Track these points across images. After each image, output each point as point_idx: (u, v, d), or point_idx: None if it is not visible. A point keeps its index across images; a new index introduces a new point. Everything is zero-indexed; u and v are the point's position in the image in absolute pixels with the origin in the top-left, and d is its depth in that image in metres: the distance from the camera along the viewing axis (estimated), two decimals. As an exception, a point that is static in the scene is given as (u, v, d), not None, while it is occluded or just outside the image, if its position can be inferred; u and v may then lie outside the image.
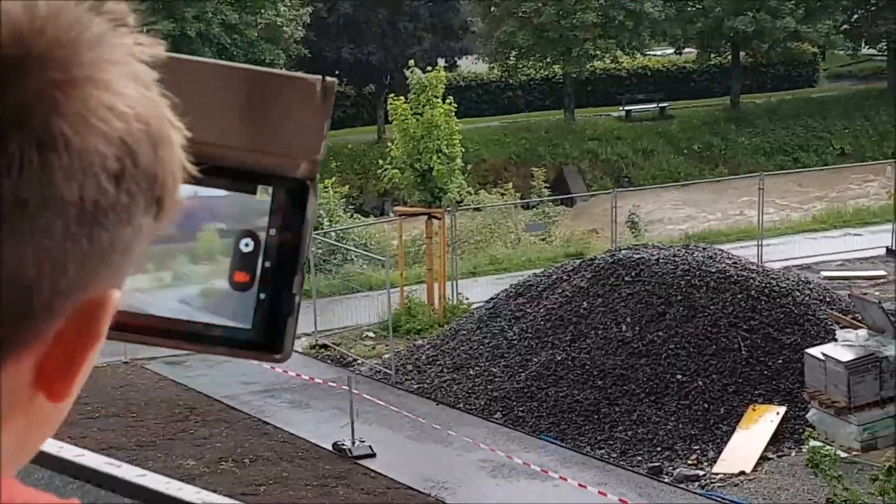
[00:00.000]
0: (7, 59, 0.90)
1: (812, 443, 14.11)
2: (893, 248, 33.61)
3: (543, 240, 36.80)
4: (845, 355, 21.49)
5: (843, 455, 19.78)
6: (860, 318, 23.84)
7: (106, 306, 1.01)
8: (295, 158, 1.35)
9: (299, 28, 45.26)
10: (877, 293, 29.26)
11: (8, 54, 0.90)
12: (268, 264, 1.33)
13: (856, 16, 56.84)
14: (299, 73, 1.37)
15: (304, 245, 1.33)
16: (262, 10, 43.76)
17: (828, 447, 16.29)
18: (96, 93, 0.94)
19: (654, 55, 60.03)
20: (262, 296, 1.34)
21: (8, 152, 0.90)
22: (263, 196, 1.34)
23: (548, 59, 52.88)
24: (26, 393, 0.99)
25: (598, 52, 52.26)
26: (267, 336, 1.35)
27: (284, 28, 44.22)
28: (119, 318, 1.09)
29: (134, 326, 1.29)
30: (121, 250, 1.01)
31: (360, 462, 20.82)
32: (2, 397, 0.96)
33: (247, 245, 1.33)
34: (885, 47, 58.21)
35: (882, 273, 31.69)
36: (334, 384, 23.55)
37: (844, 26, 56.57)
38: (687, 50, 57.83)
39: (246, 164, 1.33)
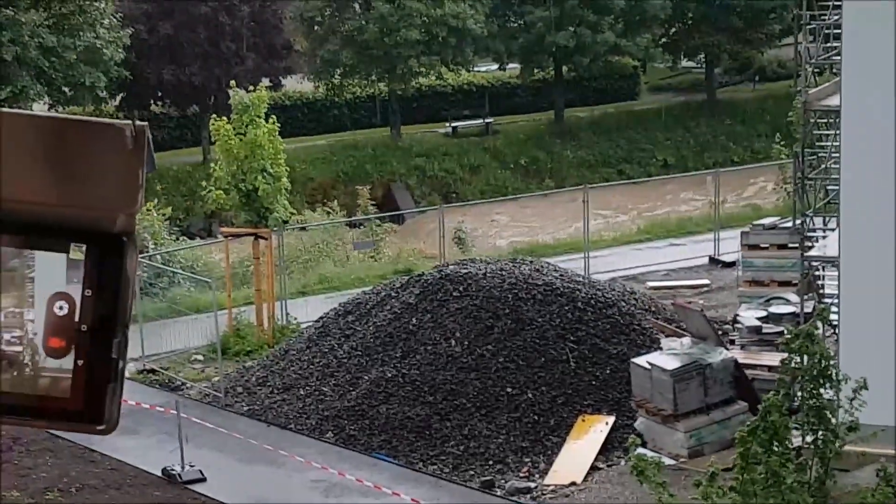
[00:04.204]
0: None
1: (637, 450, 14.27)
2: (716, 256, 34.32)
3: (372, 258, 36.77)
4: (670, 363, 21.82)
5: (670, 462, 20.08)
6: (684, 326, 24.25)
7: None
8: (110, 212, 1.26)
9: (119, 50, 44.58)
10: (700, 301, 29.82)
11: None
12: (84, 328, 1.24)
13: (673, 30, 58.01)
14: (107, 120, 1.29)
15: (123, 305, 1.26)
16: (81, 33, 43.00)
17: (652, 454, 16.49)
18: None
19: (479, 71, 60.47)
20: (80, 362, 1.25)
21: None
22: (78, 254, 1.25)
23: (372, 77, 52.95)
24: None
25: (423, 69, 52.47)
26: (87, 406, 1.27)
27: (104, 50, 43.50)
28: None
29: None
30: None
31: (191, 487, 20.53)
32: None
33: (60, 308, 1.25)
34: (702, 60, 59.52)
35: (705, 281, 32.30)
36: (162, 409, 23.17)
37: (663, 40, 57.69)
38: (511, 65, 58.36)
39: (55, 220, 1.24)
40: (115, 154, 1.27)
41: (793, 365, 14.01)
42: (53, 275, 1.26)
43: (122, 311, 1.27)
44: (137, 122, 1.29)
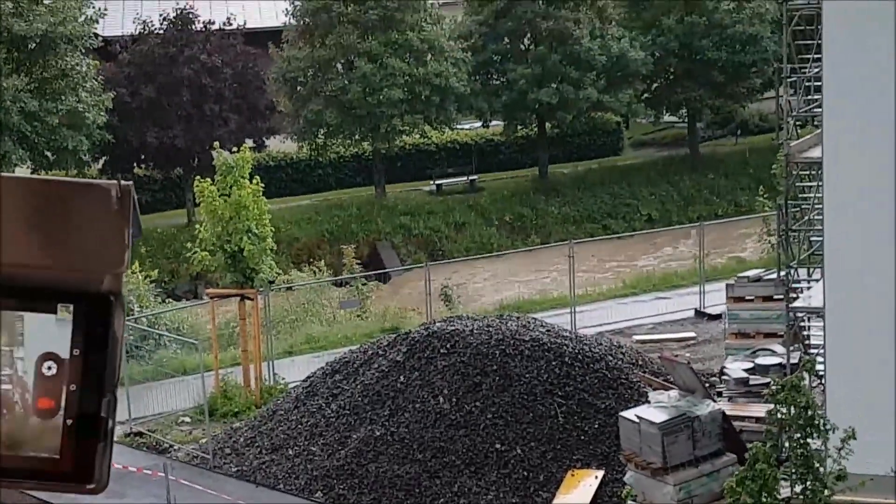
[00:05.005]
0: None
1: (629, 502, 14.24)
2: (701, 309, 34.37)
3: (359, 316, 36.75)
4: (658, 417, 21.77)
5: (661, 515, 20.01)
6: (671, 379, 24.23)
7: None
8: (97, 272, 1.25)
9: (102, 114, 44.67)
10: (687, 354, 29.84)
11: None
12: (73, 387, 1.24)
13: (655, 85, 58.27)
14: (92, 180, 1.28)
15: (111, 364, 1.26)
16: (63, 97, 43.10)
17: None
18: None
19: (463, 129, 60.63)
20: (69, 422, 1.25)
21: None
22: (65, 315, 1.25)
23: (356, 137, 53.04)
24: None
25: (406, 128, 52.58)
26: (77, 465, 1.26)
27: (87, 114, 43.58)
28: None
29: None
30: None
31: (179, 550, 20.42)
32: None
33: (49, 368, 1.24)
34: (685, 114, 59.77)
35: (691, 334, 32.33)
36: (150, 472, 23.09)
37: (645, 95, 57.93)
38: (494, 123, 58.54)
39: (42, 282, 1.23)
40: (101, 214, 1.26)
41: (779, 416, 14.03)
42: (42, 335, 1.25)
43: (111, 370, 1.27)
44: (122, 182, 1.28)
